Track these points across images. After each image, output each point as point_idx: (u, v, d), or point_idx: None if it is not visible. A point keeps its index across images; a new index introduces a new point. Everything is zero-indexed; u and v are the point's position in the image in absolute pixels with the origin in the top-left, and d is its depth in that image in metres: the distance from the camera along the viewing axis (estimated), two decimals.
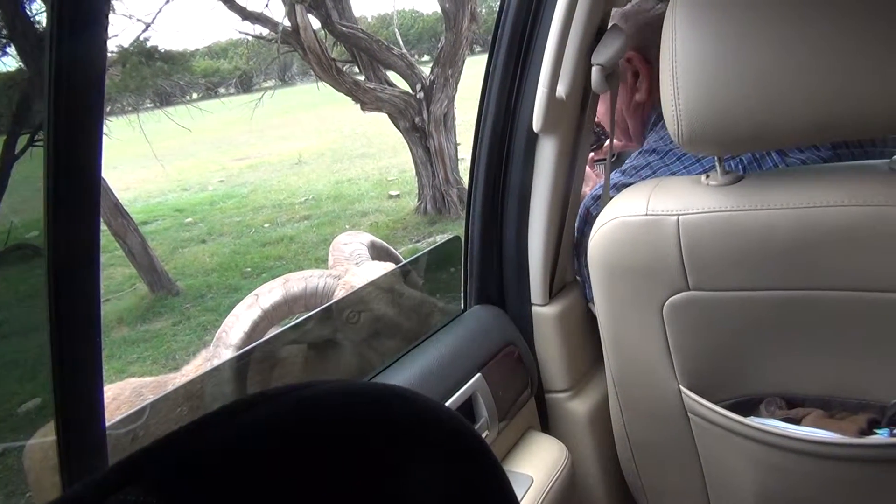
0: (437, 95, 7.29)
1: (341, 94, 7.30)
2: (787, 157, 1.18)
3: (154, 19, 9.32)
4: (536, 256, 1.36)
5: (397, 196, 9.17)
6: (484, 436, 1.21)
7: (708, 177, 1.03)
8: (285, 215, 9.05)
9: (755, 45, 0.90)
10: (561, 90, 1.24)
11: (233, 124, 16.83)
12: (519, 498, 1.19)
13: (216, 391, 1.15)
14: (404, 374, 1.18)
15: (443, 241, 1.56)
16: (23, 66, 0.79)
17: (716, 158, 1.02)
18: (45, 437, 0.73)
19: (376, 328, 1.44)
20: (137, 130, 8.62)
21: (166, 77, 11.77)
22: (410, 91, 7.43)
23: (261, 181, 11.59)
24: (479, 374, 1.24)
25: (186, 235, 8.79)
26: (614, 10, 1.35)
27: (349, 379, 0.50)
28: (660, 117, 1.38)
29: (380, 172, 10.87)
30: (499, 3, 1.32)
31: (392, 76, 7.66)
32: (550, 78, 1.21)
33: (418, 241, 7.09)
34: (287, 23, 6.90)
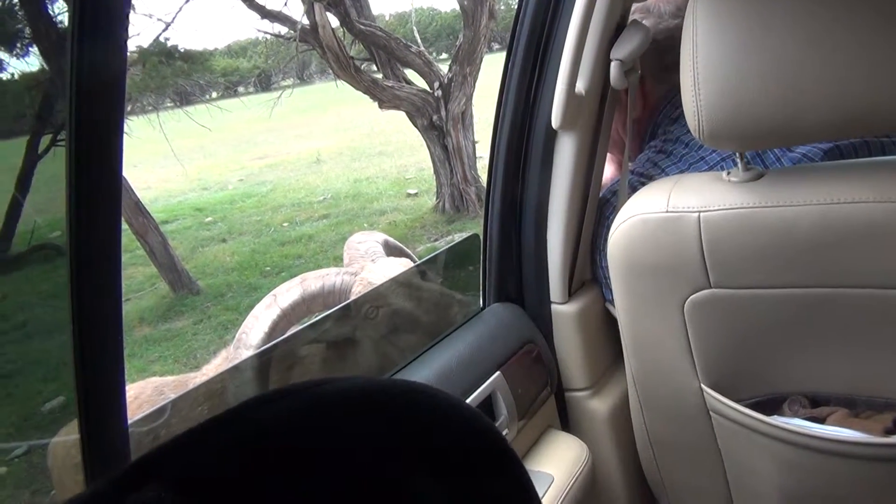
0: (455, 93, 7.28)
1: (359, 93, 7.31)
2: (788, 150, 1.17)
3: (174, 19, 9.40)
4: (556, 254, 1.36)
5: (415, 194, 9.18)
6: (504, 434, 1.20)
7: (729, 173, 1.02)
8: (304, 214, 9.09)
9: (777, 39, 0.88)
10: (580, 86, 1.23)
11: (252, 123, 16.94)
12: (540, 496, 1.19)
13: (236, 390, 1.15)
14: (424, 372, 1.18)
15: (461, 238, 1.55)
16: (45, 66, 0.80)
17: (737, 154, 1.00)
18: (68, 436, 0.73)
19: (396, 324, 1.44)
20: (157, 130, 8.68)
21: (186, 76, 11.87)
22: (428, 89, 7.43)
23: (280, 180, 11.65)
24: (498, 373, 1.24)
25: (206, 234, 8.85)
26: (634, 5, 1.34)
27: (369, 376, 0.50)
28: (657, 125, 1.38)
29: (398, 171, 10.88)
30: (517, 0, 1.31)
31: (410, 74, 7.66)
32: (570, 74, 1.20)
33: (437, 240, 7.09)
34: (305, 21, 6.92)
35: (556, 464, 1.31)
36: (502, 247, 1.40)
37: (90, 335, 0.70)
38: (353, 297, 1.49)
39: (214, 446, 0.37)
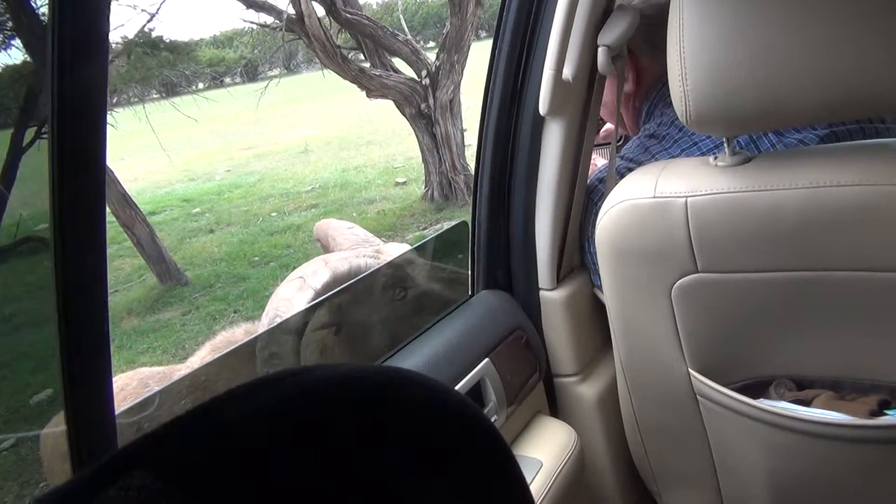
0: (442, 82, 7.26)
1: (347, 82, 7.27)
2: (783, 136, 1.17)
3: (158, 10, 9.32)
4: (544, 241, 1.36)
5: (404, 183, 9.16)
6: (493, 420, 1.21)
7: (716, 158, 1.02)
8: (292, 204, 9.05)
9: (764, 23, 0.89)
10: (567, 72, 1.23)
11: (239, 114, 16.82)
12: (529, 482, 1.19)
13: (226, 378, 1.15)
14: (412, 359, 1.18)
15: (449, 226, 1.55)
16: (28, 59, 0.79)
17: (724, 139, 1.01)
18: (57, 427, 0.73)
19: (422, 303, 1.43)
20: (144, 121, 8.62)
21: (172, 67, 11.76)
22: (416, 77, 7.40)
23: (268, 170, 11.59)
24: (487, 359, 1.24)
25: (194, 225, 8.80)
26: None
27: (354, 363, 0.50)
28: (654, 105, 1.38)
29: (386, 160, 10.85)
30: None
31: (398, 63, 7.63)
32: (556, 60, 1.20)
33: (425, 229, 7.08)
34: (291, 10, 6.87)
35: (545, 449, 1.31)
36: (490, 234, 1.40)
37: (76, 326, 0.69)
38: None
39: (200, 435, 0.37)
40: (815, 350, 1.04)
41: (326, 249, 1.71)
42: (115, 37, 8.49)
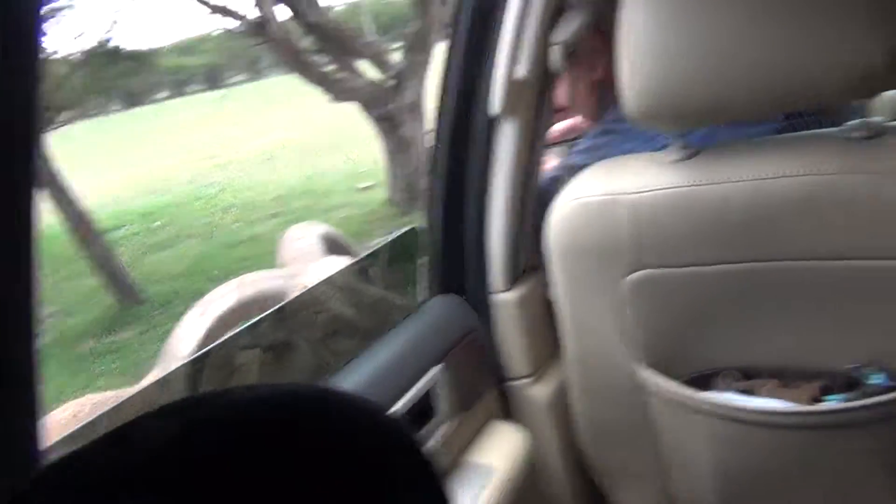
0: (406, 83, 7.24)
1: (312, 86, 7.23)
2: (738, 130, 1.17)
3: (117, 19, 9.18)
4: (497, 243, 1.34)
5: (368, 188, 9.12)
6: (443, 429, 1.18)
7: (664, 153, 1.02)
8: (255, 213, 8.97)
9: (706, 19, 0.91)
10: (520, 71, 1.21)
11: (201, 121, 16.66)
12: (482, 488, 1.18)
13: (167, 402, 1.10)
14: (359, 374, 1.16)
15: (397, 234, 1.52)
16: None
17: (675, 134, 1.01)
18: None
19: (335, 328, 1.39)
20: (103, 134, 8.49)
21: (132, 76, 11.58)
22: (381, 79, 7.38)
23: (230, 179, 11.46)
24: (438, 366, 1.22)
25: (154, 240, 8.68)
26: None
27: (280, 383, 0.49)
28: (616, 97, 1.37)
29: (351, 164, 10.81)
30: None
31: (363, 65, 7.61)
32: (509, 58, 1.19)
33: (389, 233, 7.05)
34: (255, 14, 6.82)
35: (498, 454, 1.29)
36: (445, 237, 1.39)
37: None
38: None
39: (106, 464, 0.36)
40: (762, 340, 1.05)
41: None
42: (74, 47, 8.34)
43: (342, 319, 1.40)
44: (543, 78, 1.29)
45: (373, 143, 8.10)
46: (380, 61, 7.38)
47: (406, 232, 1.47)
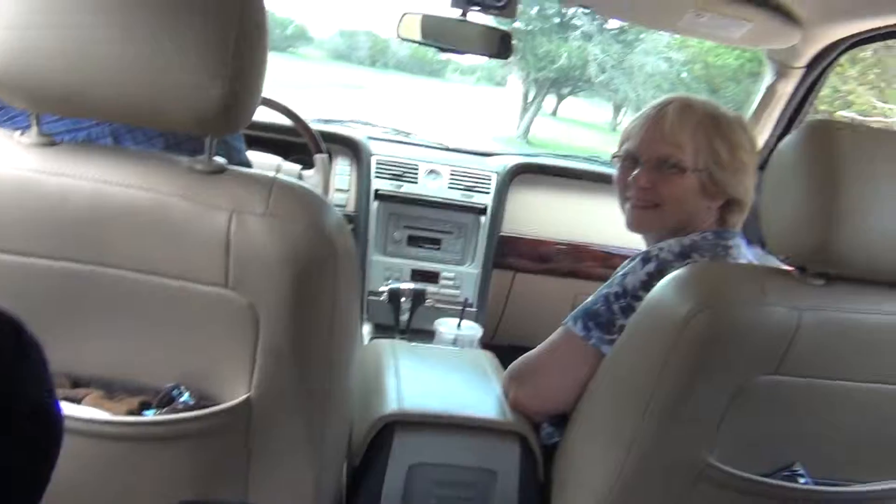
0: None
1: None
2: (81, 127, 1.19)
3: None
4: None
5: None
6: None
7: (23, 134, 0.99)
8: None
9: (81, 6, 0.88)
10: None
11: None
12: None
13: None
14: None
15: None
16: None
17: (33, 116, 0.97)
18: None
19: None
20: None
21: None
22: None
23: None
24: None
25: None
26: None
27: None
28: None
29: None
30: None
31: None
32: None
33: None
34: None
35: None
36: None
37: None
38: None
39: None
40: (90, 349, 1.04)
41: None
42: None
43: None
44: None
45: None
46: None
47: None
